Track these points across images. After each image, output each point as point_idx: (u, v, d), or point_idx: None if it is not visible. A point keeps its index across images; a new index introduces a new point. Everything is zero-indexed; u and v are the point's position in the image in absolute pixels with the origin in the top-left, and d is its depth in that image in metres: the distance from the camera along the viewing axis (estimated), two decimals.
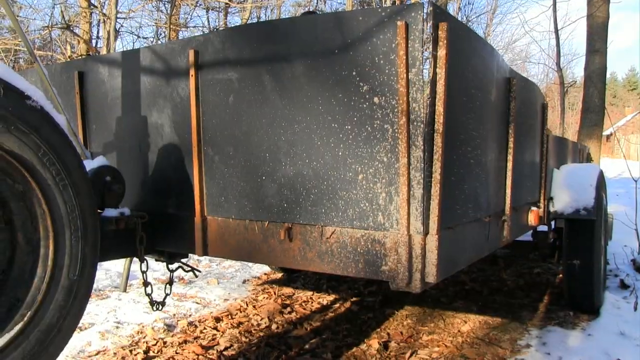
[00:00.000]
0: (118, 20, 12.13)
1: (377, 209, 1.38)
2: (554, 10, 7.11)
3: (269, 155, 1.53)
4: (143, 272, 1.75)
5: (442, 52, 1.34)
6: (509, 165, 2.10)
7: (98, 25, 15.44)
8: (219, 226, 1.67)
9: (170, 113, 1.76)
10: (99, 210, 1.58)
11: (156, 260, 1.93)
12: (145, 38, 15.71)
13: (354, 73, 1.39)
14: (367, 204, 1.40)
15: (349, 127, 1.41)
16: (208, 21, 17.66)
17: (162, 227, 1.80)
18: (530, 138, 2.51)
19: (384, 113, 1.36)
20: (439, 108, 1.35)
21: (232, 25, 1.64)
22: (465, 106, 1.56)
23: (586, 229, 3.12)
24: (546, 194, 3.02)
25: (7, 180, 1.29)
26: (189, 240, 1.72)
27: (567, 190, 3.19)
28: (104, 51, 13.65)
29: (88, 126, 2.01)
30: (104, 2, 14.12)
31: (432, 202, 1.35)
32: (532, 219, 2.68)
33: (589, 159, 5.42)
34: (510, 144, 2.09)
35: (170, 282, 2.00)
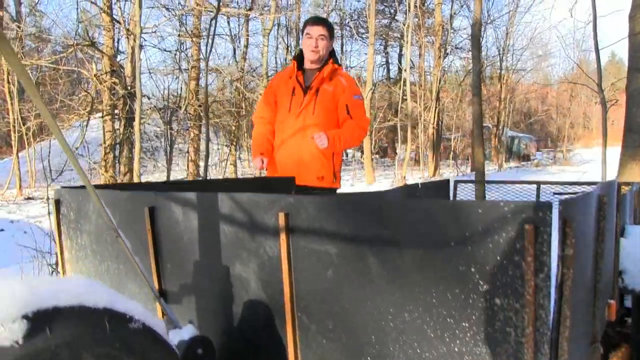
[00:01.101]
0: (141, 34, 12.14)
1: None
2: (594, 29, 6.88)
3: (374, 338, 1.45)
4: None
5: (569, 252, 1.24)
6: (599, 286, 1.99)
7: (118, 41, 15.46)
8: None
9: (257, 269, 1.68)
10: None
11: None
12: (169, 51, 15.76)
13: (472, 270, 1.29)
14: None
15: (467, 324, 1.32)
16: (230, 30, 17.65)
17: None
18: (610, 238, 2.40)
19: (506, 316, 1.27)
20: (566, 311, 1.25)
21: (329, 195, 1.55)
22: (583, 285, 1.46)
23: None
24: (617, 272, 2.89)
25: None
26: None
27: (637, 263, 3.05)
28: (127, 67, 13.71)
29: (162, 264, 1.94)
30: (126, 16, 14.14)
31: None
32: (609, 314, 2.56)
33: None
34: (600, 265, 1.98)
35: None
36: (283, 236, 1.56)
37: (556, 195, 5.81)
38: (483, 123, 21.72)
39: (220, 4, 8.84)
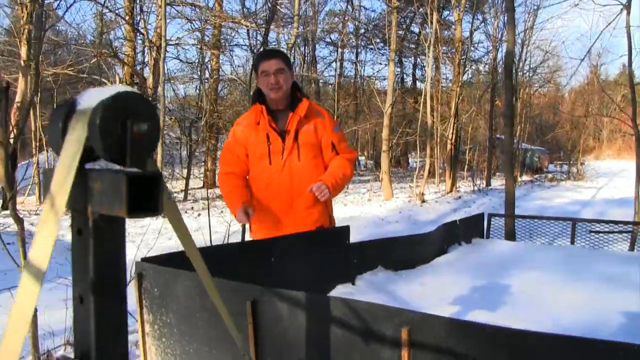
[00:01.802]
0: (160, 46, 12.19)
1: None
2: (629, 65, 6.87)
3: None
4: None
5: None
6: None
7: (135, 50, 15.53)
8: None
9: None
10: None
11: None
12: (190, 63, 15.79)
13: None
14: None
15: None
16: (249, 39, 17.67)
17: None
18: None
19: None
20: None
21: (458, 320, 1.54)
22: None
23: None
24: None
25: None
26: None
27: None
28: (150, 78, 13.77)
29: (262, 354, 1.95)
30: (149, 25, 14.20)
31: None
32: None
33: None
34: None
35: None
36: (404, 353, 1.56)
37: (592, 234, 5.83)
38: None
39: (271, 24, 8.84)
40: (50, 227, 0.94)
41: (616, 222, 5.70)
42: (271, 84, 2.90)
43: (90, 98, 1.01)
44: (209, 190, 15.85)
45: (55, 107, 1.08)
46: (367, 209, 13.22)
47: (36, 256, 0.95)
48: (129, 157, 0.98)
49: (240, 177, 3.14)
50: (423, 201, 14.05)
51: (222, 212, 11.53)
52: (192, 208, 12.61)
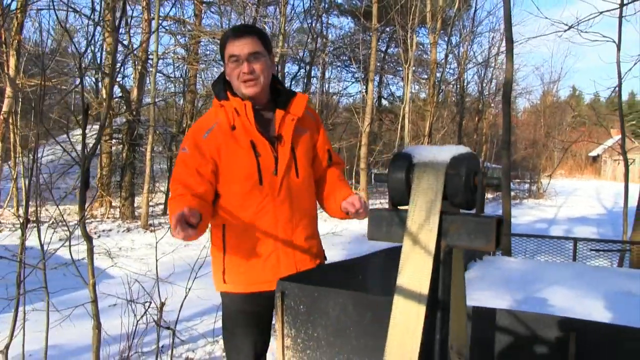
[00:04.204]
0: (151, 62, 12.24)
1: None
2: (619, 98, 7.48)
3: None
4: None
5: None
6: None
7: (124, 64, 15.41)
8: None
9: None
10: None
11: None
12: (175, 78, 15.80)
13: None
14: None
15: None
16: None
17: None
18: None
19: None
20: None
21: (618, 325, 1.84)
22: None
23: None
24: None
25: None
26: None
27: None
28: (134, 92, 13.72)
29: None
30: (133, 38, 14.13)
31: None
32: None
33: None
34: None
35: None
36: (572, 354, 1.86)
37: (592, 252, 6.37)
38: None
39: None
40: (420, 259, 1.24)
41: (615, 242, 6.32)
42: (243, 74, 2.04)
43: (429, 153, 1.33)
44: None
45: (392, 158, 1.36)
46: (346, 225, 13.51)
47: (409, 283, 1.24)
48: (479, 204, 1.30)
49: (202, 200, 2.05)
50: None
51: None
52: None
